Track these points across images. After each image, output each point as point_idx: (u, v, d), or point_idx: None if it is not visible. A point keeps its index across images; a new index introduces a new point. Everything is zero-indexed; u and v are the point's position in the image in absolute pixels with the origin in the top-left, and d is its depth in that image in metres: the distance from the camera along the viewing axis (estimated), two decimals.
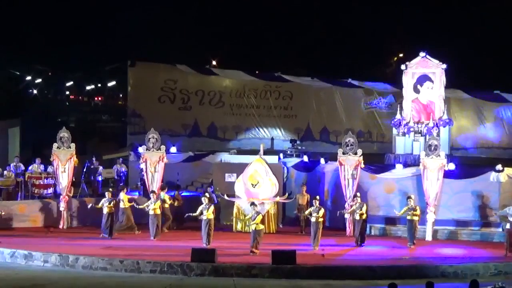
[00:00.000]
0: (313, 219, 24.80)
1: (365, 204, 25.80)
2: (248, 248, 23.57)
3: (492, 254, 23.93)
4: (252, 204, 24.76)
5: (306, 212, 25.52)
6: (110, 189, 28.08)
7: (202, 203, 24.89)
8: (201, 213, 24.68)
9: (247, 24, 49.80)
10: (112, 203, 26.45)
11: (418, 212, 25.48)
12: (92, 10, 47.46)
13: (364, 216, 25.58)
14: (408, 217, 25.48)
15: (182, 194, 29.88)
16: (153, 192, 26.98)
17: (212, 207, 24.98)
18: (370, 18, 47.39)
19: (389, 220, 27.86)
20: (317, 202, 25.10)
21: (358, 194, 26.37)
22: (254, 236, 23.64)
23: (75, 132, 31.24)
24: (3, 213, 26.33)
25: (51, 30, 46.11)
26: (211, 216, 24.81)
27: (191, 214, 25.25)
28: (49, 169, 29.45)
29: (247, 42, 49.81)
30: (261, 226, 23.96)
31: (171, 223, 28.19)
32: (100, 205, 26.51)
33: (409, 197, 25.82)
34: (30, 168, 29.85)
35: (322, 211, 24.96)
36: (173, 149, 33.21)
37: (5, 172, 29.44)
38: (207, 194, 25.93)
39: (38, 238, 25.67)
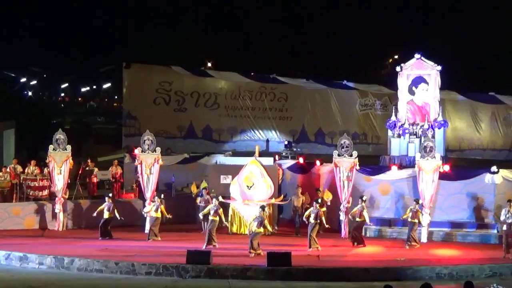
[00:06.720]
0: (312, 220, 24.74)
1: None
2: (245, 249, 23.51)
3: (487, 255, 23.91)
4: (262, 207, 24.57)
5: (306, 213, 25.41)
6: (110, 194, 27.83)
7: (211, 203, 25.39)
8: (209, 212, 24.89)
9: (242, 26, 49.90)
10: (112, 208, 26.37)
11: (419, 215, 25.58)
12: (88, 12, 47.50)
13: (363, 218, 25.71)
14: (410, 219, 25.56)
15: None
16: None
17: (221, 210, 25.13)
18: (365, 20, 47.51)
19: (384, 221, 27.85)
20: (317, 205, 25.04)
21: (365, 197, 26.36)
22: (257, 239, 23.62)
23: (70, 134, 31.06)
24: None
25: (46, 32, 46.12)
26: (217, 218, 24.94)
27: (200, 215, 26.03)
28: (45, 170, 29.39)
29: (242, 44, 49.91)
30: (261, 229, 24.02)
31: None
32: (102, 208, 26.43)
33: (415, 200, 25.93)
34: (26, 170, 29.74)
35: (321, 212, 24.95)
36: (168, 151, 33.14)
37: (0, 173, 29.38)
38: (215, 198, 25.93)
39: (33, 240, 25.58)
